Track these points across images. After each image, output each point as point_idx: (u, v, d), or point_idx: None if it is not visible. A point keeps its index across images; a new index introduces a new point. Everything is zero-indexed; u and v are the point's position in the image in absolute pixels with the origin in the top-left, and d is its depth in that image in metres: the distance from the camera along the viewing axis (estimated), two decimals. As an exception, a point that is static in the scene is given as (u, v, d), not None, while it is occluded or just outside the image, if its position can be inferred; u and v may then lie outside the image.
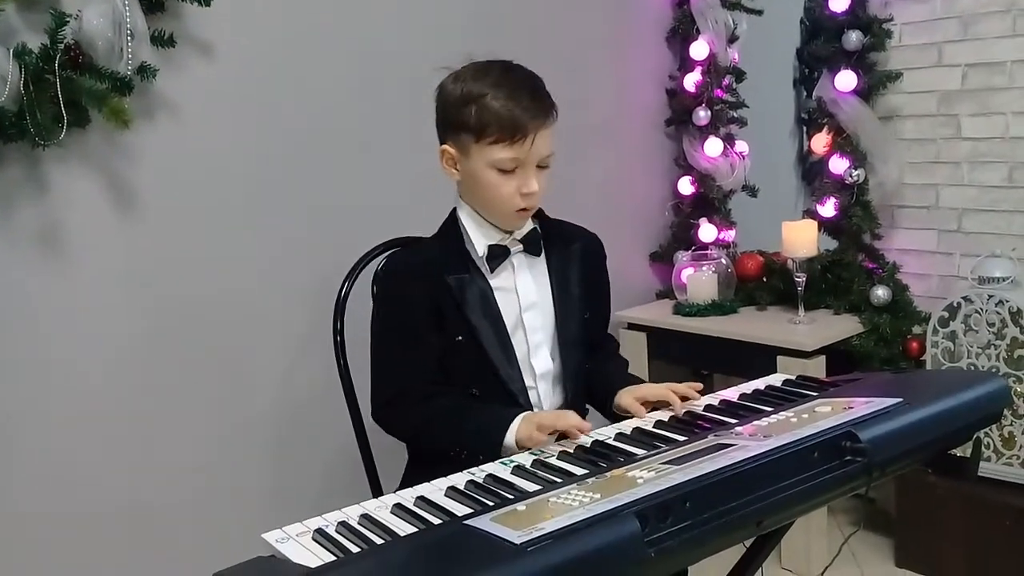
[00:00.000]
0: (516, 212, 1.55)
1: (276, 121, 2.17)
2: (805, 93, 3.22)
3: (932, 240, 2.73)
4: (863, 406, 1.28)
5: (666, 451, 1.21)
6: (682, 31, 2.97)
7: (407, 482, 1.65)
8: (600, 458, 1.31)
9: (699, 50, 2.91)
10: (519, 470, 1.30)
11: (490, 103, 1.47)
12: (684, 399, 1.51)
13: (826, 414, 1.27)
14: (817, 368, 2.40)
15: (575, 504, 1.02)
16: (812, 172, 3.17)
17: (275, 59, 2.15)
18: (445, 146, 1.56)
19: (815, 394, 1.48)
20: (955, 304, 2.32)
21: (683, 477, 1.05)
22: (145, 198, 1.99)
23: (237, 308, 2.15)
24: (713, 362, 2.79)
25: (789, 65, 3.25)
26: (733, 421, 1.38)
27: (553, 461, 1.33)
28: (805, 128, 3.24)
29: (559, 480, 1.22)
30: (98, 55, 1.80)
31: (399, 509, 1.18)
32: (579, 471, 1.25)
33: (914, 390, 1.38)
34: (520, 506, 1.05)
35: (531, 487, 1.21)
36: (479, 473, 1.30)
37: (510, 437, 1.43)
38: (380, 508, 1.20)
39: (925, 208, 2.73)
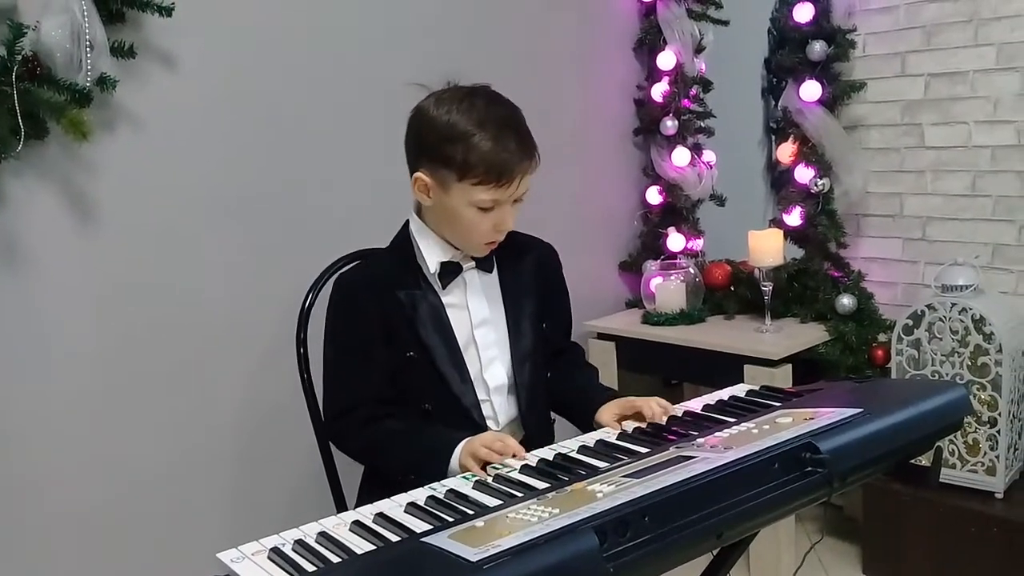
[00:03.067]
0: (485, 244, 1.56)
1: (239, 133, 2.15)
2: (773, 102, 3.20)
3: (897, 248, 2.75)
4: (824, 416, 1.28)
5: (628, 464, 1.21)
6: (649, 42, 2.98)
7: (363, 495, 1.66)
8: (562, 471, 1.31)
9: (666, 60, 2.92)
10: (481, 485, 1.29)
11: (477, 145, 1.44)
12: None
13: (787, 425, 1.27)
14: (784, 376, 2.40)
15: (533, 520, 1.01)
16: (781, 181, 3.16)
17: (238, 70, 2.14)
18: (419, 174, 1.52)
19: (778, 404, 1.48)
20: (919, 312, 2.33)
21: (642, 491, 1.05)
22: (105, 211, 1.97)
23: (200, 321, 2.13)
24: (682, 371, 2.80)
25: (757, 75, 3.23)
26: (695, 433, 1.37)
27: (515, 475, 1.32)
28: (773, 137, 3.23)
29: (520, 494, 1.21)
30: (56, 66, 1.78)
31: (357, 527, 1.17)
32: (540, 485, 1.25)
33: (875, 400, 1.39)
34: (478, 522, 1.04)
35: (492, 502, 1.21)
36: (440, 488, 1.29)
37: (454, 463, 1.43)
38: (339, 526, 1.19)
39: (890, 217, 2.75)
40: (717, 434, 1.30)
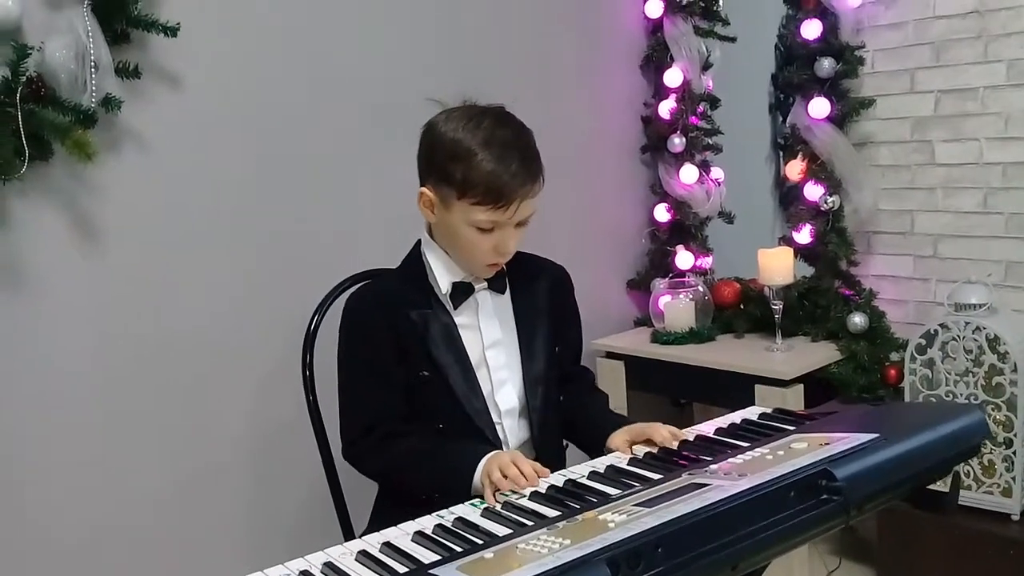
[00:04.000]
0: (487, 266, 1.55)
1: (244, 153, 2.14)
2: (781, 119, 3.18)
3: (908, 266, 2.72)
4: (839, 442, 1.26)
5: (639, 491, 1.19)
6: (656, 59, 2.97)
7: (375, 520, 1.65)
8: (572, 498, 1.28)
9: (673, 77, 2.91)
10: (489, 512, 1.27)
11: (478, 164, 1.44)
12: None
13: (802, 451, 1.25)
14: (795, 397, 2.38)
15: (544, 551, 0.99)
16: (789, 198, 3.14)
17: (243, 90, 2.13)
18: (425, 189, 1.53)
19: (791, 428, 1.46)
20: (932, 331, 2.30)
21: (655, 521, 1.02)
22: (109, 232, 1.96)
23: (204, 343, 2.11)
24: (691, 391, 2.77)
25: (764, 91, 3.23)
26: (708, 458, 1.35)
27: (524, 503, 1.30)
28: (781, 154, 3.20)
29: (530, 523, 1.19)
30: (61, 87, 1.78)
31: (364, 557, 1.15)
32: (550, 513, 1.23)
33: (891, 424, 1.37)
34: (488, 553, 1.03)
35: (501, 530, 1.19)
36: (448, 516, 1.27)
37: (477, 480, 1.41)
38: (344, 555, 1.17)
39: (901, 234, 2.72)
40: (730, 460, 1.28)
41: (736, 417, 1.60)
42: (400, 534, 1.23)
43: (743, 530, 1.05)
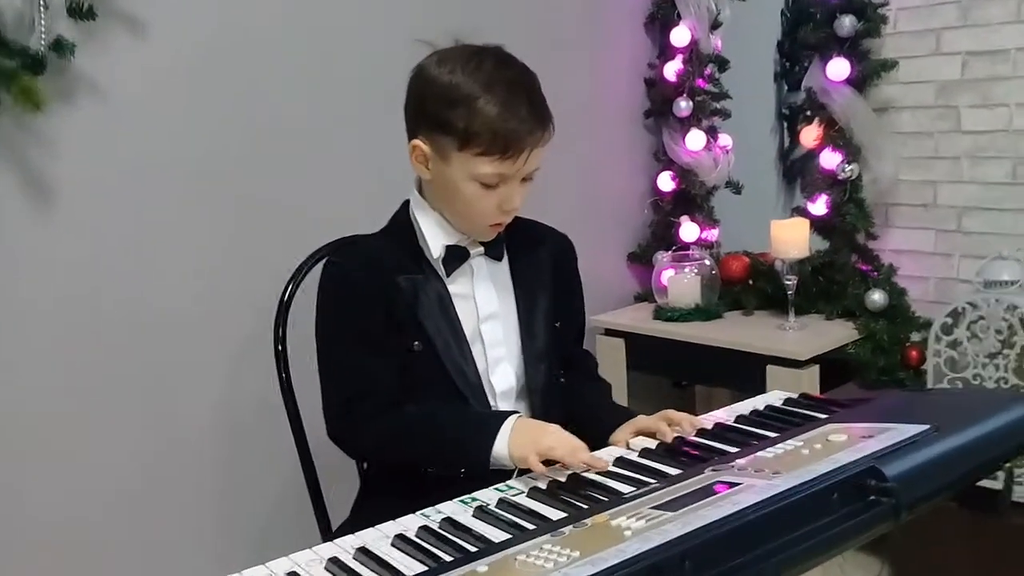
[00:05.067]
0: (490, 226, 1.41)
1: (213, 106, 1.99)
2: (786, 88, 3.13)
3: (929, 240, 2.60)
4: (885, 434, 1.12)
5: (657, 489, 1.04)
6: (662, 16, 2.82)
7: (356, 513, 1.51)
8: (579, 497, 1.13)
9: (680, 36, 2.77)
10: (482, 512, 1.10)
11: (482, 109, 1.30)
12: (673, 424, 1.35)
13: (842, 444, 1.11)
14: (811, 379, 2.26)
15: (549, 566, 0.84)
16: (794, 170, 3.10)
17: (212, 35, 1.97)
18: (417, 141, 1.37)
19: (822, 416, 1.31)
20: (959, 309, 2.18)
21: (679, 529, 0.88)
22: (62, 191, 1.80)
23: (169, 315, 1.97)
24: (696, 372, 2.66)
25: (770, 58, 3.16)
26: (731, 450, 1.21)
27: (523, 500, 1.14)
28: (786, 125, 3.15)
29: (530, 527, 1.04)
30: (6, 28, 1.64)
31: (334, 566, 0.99)
32: (554, 514, 1.08)
33: (940, 414, 1.22)
34: (481, 566, 0.88)
35: (496, 535, 1.03)
36: (435, 515, 1.11)
37: (501, 446, 1.26)
38: (312, 563, 1.01)
39: (922, 206, 2.61)
40: (758, 454, 1.13)
41: (758, 402, 1.46)
42: (379, 536, 1.07)
43: (781, 539, 0.91)
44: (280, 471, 1.99)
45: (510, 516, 1.09)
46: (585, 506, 1.08)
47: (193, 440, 2.02)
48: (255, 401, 2.01)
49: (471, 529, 1.05)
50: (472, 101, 1.30)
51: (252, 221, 2.06)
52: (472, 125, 1.30)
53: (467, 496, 1.17)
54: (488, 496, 1.16)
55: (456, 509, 1.13)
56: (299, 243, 1.70)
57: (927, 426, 1.11)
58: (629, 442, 1.34)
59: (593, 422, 1.44)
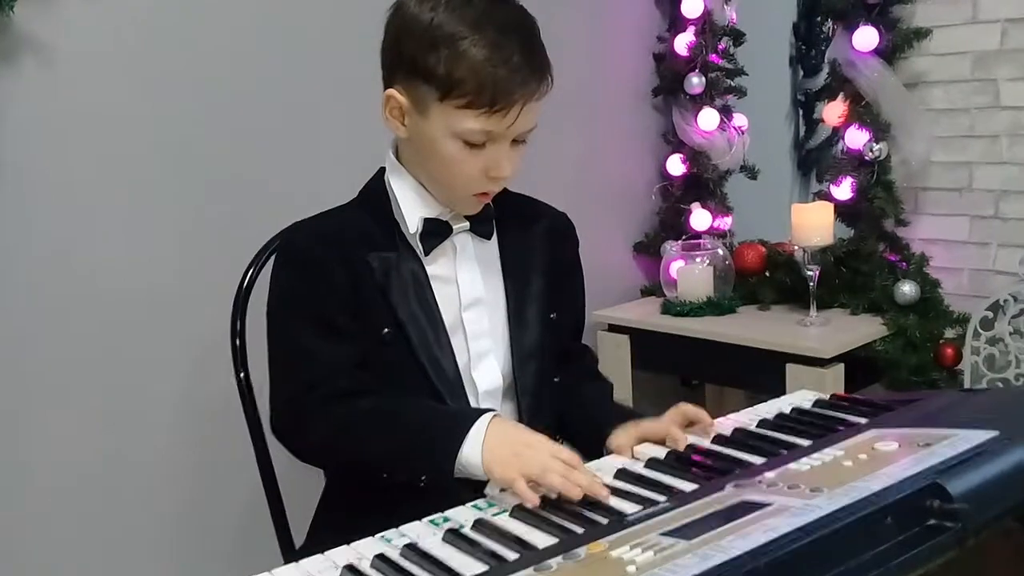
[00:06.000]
0: (474, 196, 1.24)
1: (172, 71, 1.87)
2: (802, 73, 3.07)
3: (963, 228, 2.46)
4: (945, 443, 0.94)
5: (667, 510, 0.87)
6: (672, -17, 2.72)
7: (313, 535, 1.35)
8: (572, 516, 0.94)
9: (692, 7, 2.64)
10: (454, 536, 0.91)
11: (466, 52, 1.14)
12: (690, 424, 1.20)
13: (893, 454, 0.93)
14: (835, 379, 2.12)
15: (523, 616, 0.66)
16: (810, 160, 3.06)
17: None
18: (392, 91, 1.21)
19: (861, 421, 1.13)
20: (1001, 303, 2.06)
21: (699, 565, 0.70)
22: (3, 163, 1.68)
23: (120, 305, 1.85)
24: (708, 370, 2.54)
25: (786, 36, 3.07)
26: (757, 461, 1.04)
27: (504, 522, 0.95)
28: (802, 112, 3.08)
29: (510, 557, 0.85)
30: None
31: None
32: (541, 540, 0.89)
33: (1006, 418, 1.04)
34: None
35: (467, 566, 0.85)
36: (397, 539, 0.92)
37: (471, 451, 1.08)
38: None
39: (956, 191, 2.47)
40: (789, 465, 0.95)
41: (783, 404, 1.28)
42: (326, 566, 0.88)
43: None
44: (238, 485, 1.85)
45: (487, 542, 0.90)
46: (579, 530, 0.90)
47: (146, 436, 1.91)
48: (215, 403, 1.86)
49: (437, 559, 0.86)
50: (456, 42, 1.14)
51: (210, 198, 1.94)
52: (455, 70, 1.14)
53: (439, 516, 0.98)
54: (463, 516, 0.97)
55: (423, 532, 0.94)
56: (263, 225, 1.55)
57: (994, 432, 0.93)
58: (633, 450, 1.16)
59: (591, 426, 1.27)
